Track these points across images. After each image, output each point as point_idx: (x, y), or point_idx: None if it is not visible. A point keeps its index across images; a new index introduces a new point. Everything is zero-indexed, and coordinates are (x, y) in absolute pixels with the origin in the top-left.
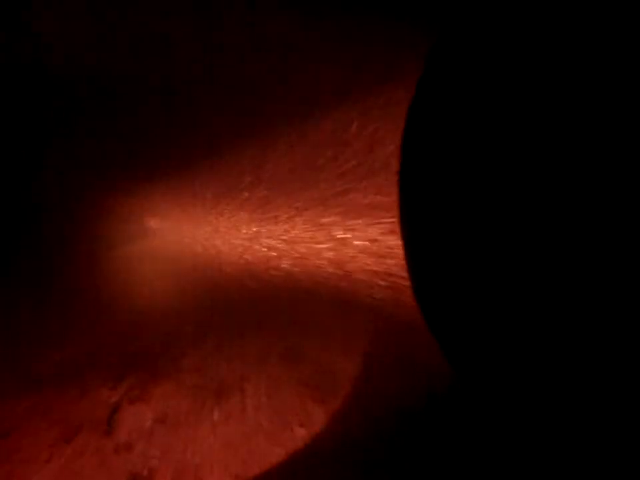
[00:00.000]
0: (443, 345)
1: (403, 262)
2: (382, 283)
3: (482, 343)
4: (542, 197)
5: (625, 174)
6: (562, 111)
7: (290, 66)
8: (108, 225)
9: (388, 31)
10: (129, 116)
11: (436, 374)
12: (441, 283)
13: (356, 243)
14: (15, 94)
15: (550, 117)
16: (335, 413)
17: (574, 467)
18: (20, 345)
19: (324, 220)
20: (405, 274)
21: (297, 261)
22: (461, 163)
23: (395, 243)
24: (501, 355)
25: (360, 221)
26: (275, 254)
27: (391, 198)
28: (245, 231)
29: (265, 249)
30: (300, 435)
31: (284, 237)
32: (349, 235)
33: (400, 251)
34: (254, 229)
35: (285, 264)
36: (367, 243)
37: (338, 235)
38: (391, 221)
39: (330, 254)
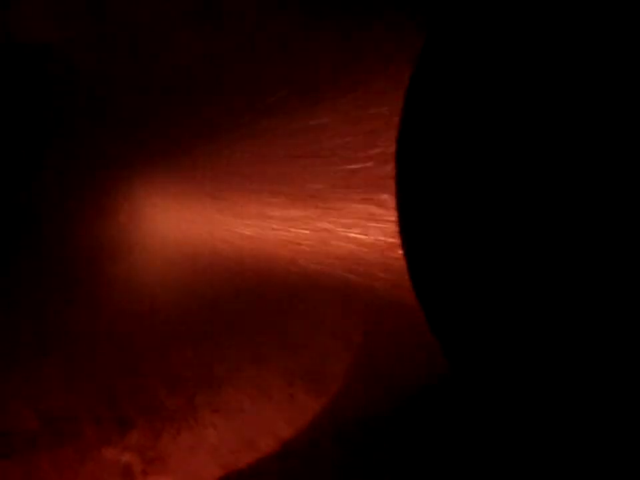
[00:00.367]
0: (442, 344)
1: (403, 259)
2: (382, 276)
3: (481, 340)
4: (541, 195)
5: (624, 167)
6: (560, 107)
7: (290, 62)
8: (108, 225)
9: (386, 30)
10: (129, 116)
11: (434, 367)
12: (440, 280)
13: (355, 237)
14: (15, 94)
15: (548, 113)
16: (329, 405)
17: (572, 465)
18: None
19: (323, 214)
20: (404, 270)
21: (297, 255)
22: (459, 160)
23: (394, 240)
24: (500, 355)
25: (359, 216)
26: (275, 249)
27: (391, 194)
28: (247, 232)
29: (267, 245)
30: (293, 427)
31: (284, 232)
32: (348, 230)
33: (399, 248)
34: (257, 227)
35: (285, 258)
36: (365, 238)
37: (338, 229)
38: (391, 216)
39: (329, 248)
